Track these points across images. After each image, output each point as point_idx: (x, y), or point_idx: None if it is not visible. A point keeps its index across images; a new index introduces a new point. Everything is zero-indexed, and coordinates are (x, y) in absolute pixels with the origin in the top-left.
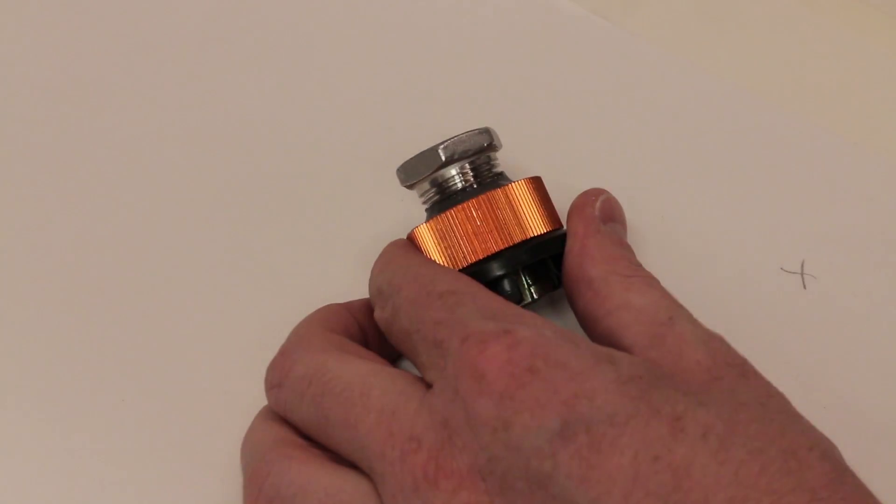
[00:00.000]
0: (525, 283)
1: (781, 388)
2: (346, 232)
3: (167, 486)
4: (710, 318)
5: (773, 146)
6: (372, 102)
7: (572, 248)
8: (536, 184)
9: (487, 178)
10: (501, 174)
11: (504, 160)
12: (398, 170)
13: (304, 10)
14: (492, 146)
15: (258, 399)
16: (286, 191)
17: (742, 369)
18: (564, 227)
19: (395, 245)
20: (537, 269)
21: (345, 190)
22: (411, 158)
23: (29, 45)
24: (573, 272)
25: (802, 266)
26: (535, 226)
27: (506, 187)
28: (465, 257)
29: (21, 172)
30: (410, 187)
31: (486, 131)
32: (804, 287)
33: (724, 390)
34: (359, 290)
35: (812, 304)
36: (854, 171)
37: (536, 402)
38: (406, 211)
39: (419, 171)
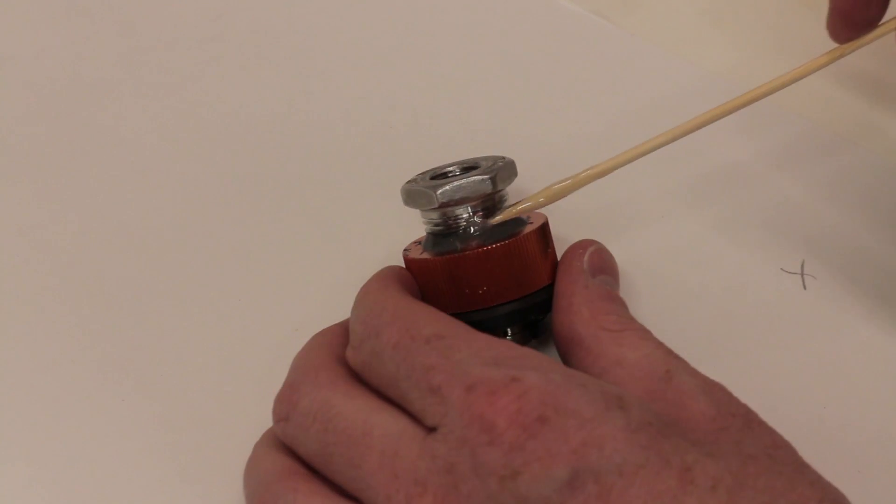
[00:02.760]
0: (505, 333)
1: (781, 389)
2: (346, 237)
3: (167, 487)
4: (711, 318)
5: (774, 146)
6: (371, 102)
7: (560, 305)
8: (544, 231)
9: (497, 216)
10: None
11: None
12: (402, 189)
13: (310, 20)
14: (494, 192)
15: (257, 400)
16: (287, 195)
17: (746, 419)
18: None
19: (375, 278)
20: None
21: (344, 193)
22: (414, 186)
23: (30, 46)
24: (563, 331)
25: (802, 266)
26: (535, 282)
27: (515, 241)
28: (469, 304)
29: (26, 173)
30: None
31: (491, 179)
32: (804, 287)
33: (731, 441)
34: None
35: (812, 304)
36: (855, 171)
37: (546, 451)
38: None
39: (418, 202)
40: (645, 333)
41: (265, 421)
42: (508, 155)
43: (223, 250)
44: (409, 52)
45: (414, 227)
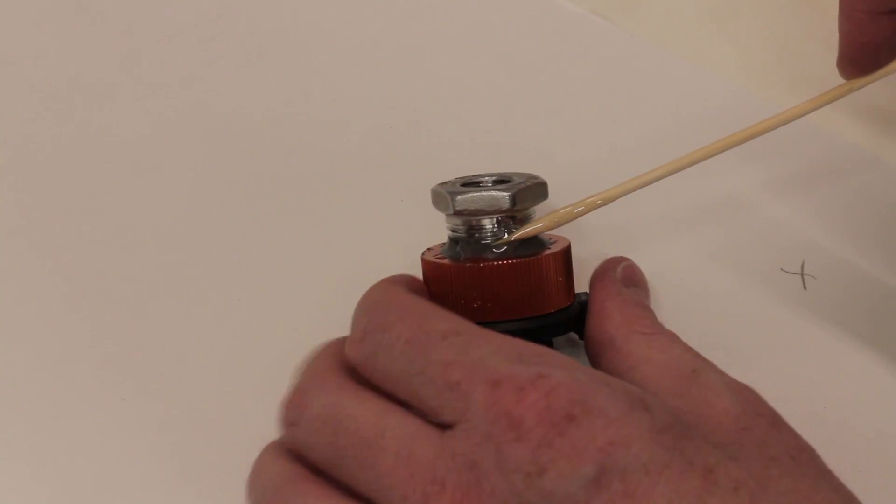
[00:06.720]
0: None
1: (782, 389)
2: (346, 237)
3: (167, 487)
4: (711, 318)
5: (774, 147)
6: (370, 103)
7: (593, 310)
8: (559, 257)
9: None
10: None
11: (504, 161)
12: (433, 189)
13: (310, 21)
14: (514, 209)
15: (258, 400)
16: (286, 196)
17: (772, 419)
18: (582, 295)
19: (383, 280)
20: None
21: (344, 193)
22: (439, 189)
23: (30, 46)
24: (595, 333)
25: (802, 266)
26: (555, 302)
27: (540, 258)
28: (485, 314)
29: (27, 173)
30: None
31: (511, 196)
32: (804, 287)
33: (754, 442)
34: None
35: (812, 304)
36: (854, 171)
37: (574, 449)
38: (408, 215)
39: (439, 205)
40: (674, 338)
41: (265, 420)
42: (509, 155)
43: (223, 250)
44: (408, 51)
45: (412, 226)
